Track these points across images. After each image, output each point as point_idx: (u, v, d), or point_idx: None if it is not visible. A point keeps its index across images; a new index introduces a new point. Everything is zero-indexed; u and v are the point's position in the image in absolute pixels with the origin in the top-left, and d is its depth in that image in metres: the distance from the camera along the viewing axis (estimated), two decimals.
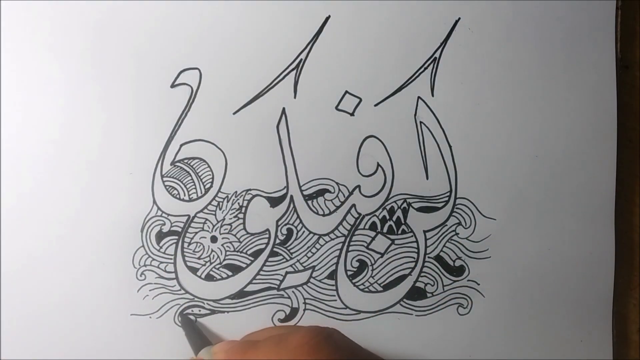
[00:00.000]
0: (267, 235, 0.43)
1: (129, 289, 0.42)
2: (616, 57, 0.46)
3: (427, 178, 0.44)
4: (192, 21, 0.42)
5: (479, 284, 0.45)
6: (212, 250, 0.43)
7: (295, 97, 0.43)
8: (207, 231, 0.42)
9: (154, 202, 0.42)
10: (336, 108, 0.43)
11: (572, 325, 0.46)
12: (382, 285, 0.44)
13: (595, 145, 0.46)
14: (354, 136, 0.44)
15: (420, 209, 0.44)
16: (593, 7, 0.45)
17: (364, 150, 0.44)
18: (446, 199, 0.45)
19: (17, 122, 0.40)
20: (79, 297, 0.41)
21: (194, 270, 0.42)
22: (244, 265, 0.43)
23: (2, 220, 0.40)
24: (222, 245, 0.43)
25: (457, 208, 0.45)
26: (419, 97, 0.44)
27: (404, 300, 0.44)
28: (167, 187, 0.42)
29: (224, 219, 0.43)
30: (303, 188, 0.43)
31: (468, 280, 0.45)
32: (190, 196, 0.42)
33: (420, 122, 0.44)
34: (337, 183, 0.44)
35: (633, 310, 0.48)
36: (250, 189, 0.43)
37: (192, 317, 0.42)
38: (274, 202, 0.43)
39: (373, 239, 0.44)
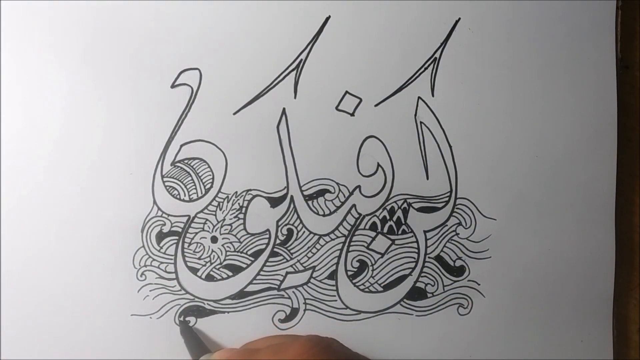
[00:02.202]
0: (267, 236, 0.43)
1: (129, 290, 0.42)
2: (616, 57, 0.46)
3: (428, 178, 0.44)
4: (192, 21, 0.42)
5: (479, 284, 0.45)
6: (213, 251, 0.43)
7: (295, 97, 0.43)
8: (208, 231, 0.42)
9: (154, 202, 0.42)
10: (336, 108, 0.43)
11: (573, 325, 0.46)
12: (382, 285, 0.44)
13: (595, 145, 0.46)
14: (354, 136, 0.44)
15: (420, 209, 0.44)
16: (593, 7, 0.45)
17: (364, 150, 0.44)
18: (446, 199, 0.45)
19: (17, 122, 0.40)
20: (79, 297, 0.41)
21: (194, 271, 0.42)
22: (244, 266, 0.43)
23: (2, 220, 0.40)
24: (222, 245, 0.43)
25: (457, 208, 0.45)
26: (419, 97, 0.44)
27: (405, 300, 0.44)
28: (168, 187, 0.42)
29: (224, 219, 0.43)
30: (303, 188, 0.43)
31: (468, 281, 0.45)
32: (191, 196, 0.42)
33: (421, 122, 0.44)
34: (337, 183, 0.44)
35: (633, 310, 0.48)
36: (250, 189, 0.43)
37: (190, 320, 0.42)
38: (274, 202, 0.43)
39: (373, 239, 0.44)
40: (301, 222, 0.43)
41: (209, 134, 0.42)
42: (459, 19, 0.44)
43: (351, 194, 0.44)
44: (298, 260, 0.43)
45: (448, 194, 0.45)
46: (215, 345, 0.42)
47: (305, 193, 0.43)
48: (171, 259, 0.42)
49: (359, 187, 0.44)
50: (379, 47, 0.44)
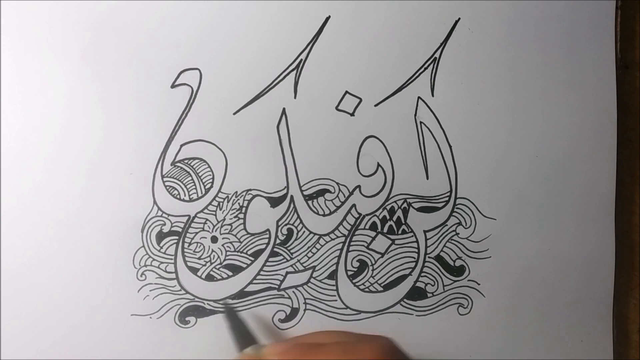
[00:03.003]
0: (267, 236, 0.43)
1: (129, 289, 0.41)
2: (616, 57, 0.46)
3: (427, 178, 0.44)
4: (192, 21, 0.42)
5: (479, 284, 0.45)
6: (213, 251, 0.43)
7: (295, 97, 0.43)
8: (208, 231, 0.42)
9: (155, 202, 0.42)
10: (336, 108, 0.43)
11: (573, 325, 0.46)
12: (382, 285, 0.44)
13: (595, 145, 0.46)
14: (354, 136, 0.44)
15: (420, 209, 0.44)
16: (593, 7, 0.46)
17: (364, 150, 0.44)
18: (446, 199, 0.45)
19: (17, 123, 0.40)
20: (79, 297, 0.41)
21: (194, 271, 0.42)
22: (244, 266, 0.43)
23: (2, 220, 0.40)
24: (222, 245, 0.43)
25: (457, 208, 0.45)
26: (419, 97, 0.44)
27: (405, 300, 0.44)
28: (168, 187, 0.42)
29: (224, 219, 0.43)
30: (303, 188, 0.43)
31: (468, 280, 0.45)
32: (191, 196, 0.42)
33: (421, 122, 0.44)
34: (337, 183, 0.44)
35: (633, 310, 0.48)
36: (250, 189, 0.43)
37: (233, 309, 0.42)
38: (274, 202, 0.43)
39: (373, 239, 0.44)
40: (301, 222, 0.43)
41: (209, 134, 0.42)
42: (459, 19, 0.44)
43: (351, 193, 0.44)
44: (298, 260, 0.43)
45: (448, 194, 0.45)
46: (215, 345, 0.42)
47: (305, 193, 0.43)
48: (171, 259, 0.42)
49: (359, 187, 0.44)
50: (379, 47, 0.44)
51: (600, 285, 0.47)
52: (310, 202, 0.43)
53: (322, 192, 0.43)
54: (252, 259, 0.43)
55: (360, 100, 0.44)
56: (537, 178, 0.45)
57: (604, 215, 0.47)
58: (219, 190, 0.42)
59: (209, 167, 0.42)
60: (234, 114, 0.43)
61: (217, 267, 0.43)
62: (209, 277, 0.42)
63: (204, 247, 0.42)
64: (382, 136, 0.44)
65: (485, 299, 0.45)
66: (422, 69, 0.44)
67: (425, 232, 0.45)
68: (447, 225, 0.45)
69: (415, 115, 0.44)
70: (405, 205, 0.44)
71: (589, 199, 0.46)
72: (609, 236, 0.47)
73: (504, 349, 0.45)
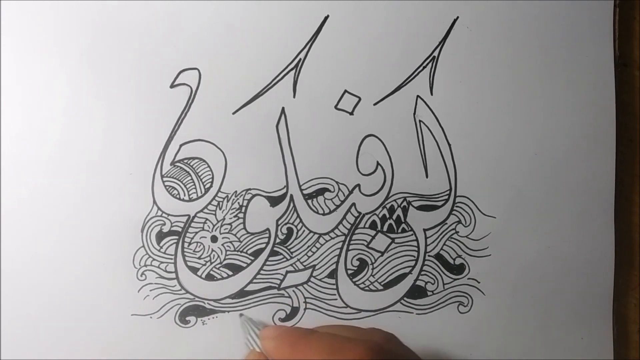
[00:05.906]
0: (267, 235, 0.43)
1: (129, 289, 0.41)
2: (614, 55, 0.46)
3: (427, 176, 0.44)
4: (192, 21, 0.42)
5: (479, 282, 0.45)
6: (213, 250, 0.43)
7: (294, 96, 0.43)
8: (208, 231, 0.42)
9: (154, 202, 0.42)
10: (335, 107, 0.44)
11: (573, 323, 0.46)
12: (382, 283, 0.44)
13: (594, 144, 0.46)
14: (354, 135, 0.44)
15: (420, 208, 0.44)
16: (591, 5, 0.46)
17: (364, 149, 0.44)
18: (446, 197, 0.45)
19: (17, 123, 0.40)
20: (79, 298, 0.41)
21: (194, 270, 0.42)
22: (244, 265, 0.43)
23: (2, 221, 0.40)
24: (222, 244, 0.43)
25: (456, 206, 0.45)
26: (418, 96, 0.44)
27: (405, 298, 0.44)
28: (167, 187, 0.42)
29: (224, 219, 0.43)
30: (303, 187, 0.43)
31: (468, 279, 0.45)
32: (190, 196, 0.42)
33: (420, 121, 0.44)
34: (336, 182, 0.44)
35: (633, 310, 0.48)
36: (250, 189, 0.43)
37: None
38: (274, 201, 0.43)
39: (373, 237, 0.44)
40: (301, 221, 0.43)
41: (208, 134, 0.42)
42: (457, 17, 0.44)
43: (351, 192, 0.44)
44: (298, 259, 0.43)
45: (447, 192, 0.45)
46: (215, 345, 0.42)
47: (305, 192, 0.43)
48: (171, 259, 0.42)
49: (358, 185, 0.44)
50: (378, 46, 0.44)
51: (600, 284, 0.47)
52: (309, 201, 0.43)
53: (321, 191, 0.44)
54: (252, 258, 0.43)
55: (360, 99, 0.44)
56: (536, 176, 0.45)
57: (604, 214, 0.47)
58: (219, 190, 0.43)
59: (209, 166, 0.42)
60: (233, 113, 0.43)
61: (217, 266, 0.43)
62: (209, 277, 0.42)
63: (203, 246, 0.42)
64: (382, 135, 0.44)
65: (486, 297, 0.45)
66: (421, 67, 0.44)
67: (425, 230, 0.45)
68: (446, 223, 0.45)
69: (414, 114, 0.44)
70: (404, 203, 0.44)
71: (588, 197, 0.46)
72: (608, 235, 0.47)
73: (504, 347, 0.45)
